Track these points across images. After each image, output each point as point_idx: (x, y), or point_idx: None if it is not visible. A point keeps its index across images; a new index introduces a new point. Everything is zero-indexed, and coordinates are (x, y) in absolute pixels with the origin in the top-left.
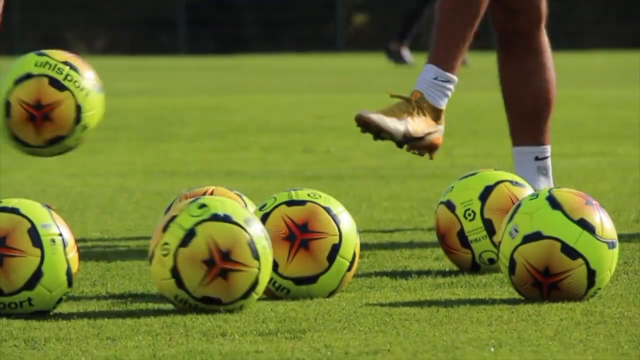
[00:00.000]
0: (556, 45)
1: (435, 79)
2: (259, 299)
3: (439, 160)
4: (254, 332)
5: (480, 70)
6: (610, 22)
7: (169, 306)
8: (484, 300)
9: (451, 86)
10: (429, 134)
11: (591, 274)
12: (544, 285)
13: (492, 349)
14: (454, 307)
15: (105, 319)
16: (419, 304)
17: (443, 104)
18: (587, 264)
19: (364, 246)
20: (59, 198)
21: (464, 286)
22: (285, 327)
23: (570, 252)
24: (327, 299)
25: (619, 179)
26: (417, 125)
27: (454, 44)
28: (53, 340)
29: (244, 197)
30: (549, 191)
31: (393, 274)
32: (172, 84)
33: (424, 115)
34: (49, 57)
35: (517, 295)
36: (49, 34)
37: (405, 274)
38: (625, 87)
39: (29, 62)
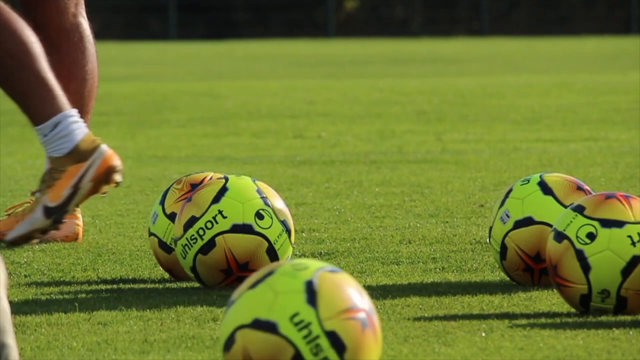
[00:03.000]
0: (546, 31)
1: (45, 136)
2: None
3: (430, 145)
4: None
5: (471, 55)
6: (600, 7)
7: (161, 291)
8: (475, 286)
9: (63, 127)
10: (79, 180)
11: None
12: (535, 270)
13: (484, 334)
14: (445, 292)
15: (97, 304)
16: (410, 289)
17: (73, 143)
18: None
19: (355, 231)
20: None
21: (455, 271)
22: None
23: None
24: None
25: (610, 164)
26: (55, 194)
27: (28, 93)
28: (44, 325)
29: None
30: (540, 176)
31: (384, 259)
32: (163, 70)
33: (58, 179)
34: None
35: (508, 280)
36: None
37: (396, 259)
38: (616, 73)
39: None
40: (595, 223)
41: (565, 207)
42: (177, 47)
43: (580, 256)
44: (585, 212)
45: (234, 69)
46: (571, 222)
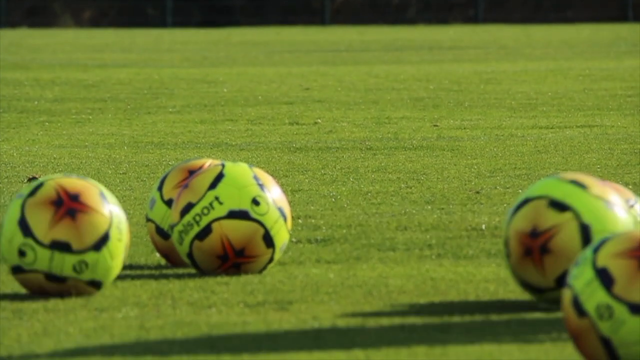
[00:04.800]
0: (542, 18)
1: None
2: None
3: (425, 131)
4: (242, 303)
5: (467, 42)
6: None
7: (157, 277)
8: (471, 272)
9: None
10: None
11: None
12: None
13: (480, 320)
14: (441, 279)
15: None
16: (406, 275)
17: None
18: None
19: (351, 218)
20: (46, 169)
21: (450, 258)
22: (272, 299)
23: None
24: (314, 270)
25: (606, 151)
26: None
27: None
28: (41, 311)
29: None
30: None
31: (380, 246)
32: (160, 56)
33: None
34: None
35: (503, 267)
36: (35, 5)
37: (392, 246)
38: (611, 59)
39: None
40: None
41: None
42: (173, 34)
43: None
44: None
45: (230, 55)
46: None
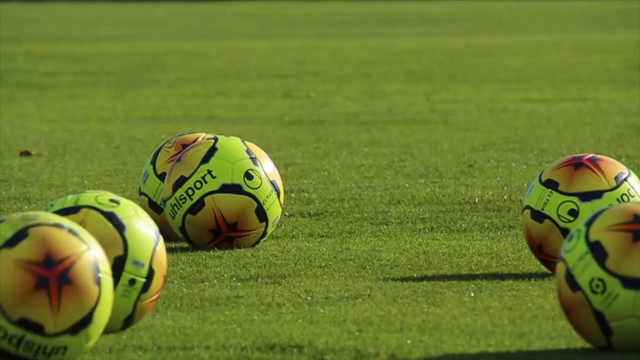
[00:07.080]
0: None
1: None
2: (240, 247)
3: (419, 105)
4: (234, 277)
5: (461, 15)
6: None
7: None
8: (464, 246)
9: None
10: None
11: None
12: None
13: (472, 294)
14: (434, 252)
15: None
16: (399, 249)
17: None
18: None
19: (344, 192)
20: (39, 143)
21: (443, 231)
22: (265, 273)
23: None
24: (307, 244)
25: (599, 124)
26: None
27: None
28: None
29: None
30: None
31: (373, 220)
32: (152, 29)
33: None
34: None
35: (496, 241)
36: None
37: (385, 220)
38: (605, 32)
39: None
40: (574, 199)
41: None
42: (166, 7)
43: (566, 234)
44: (560, 188)
45: (223, 28)
46: (548, 199)
